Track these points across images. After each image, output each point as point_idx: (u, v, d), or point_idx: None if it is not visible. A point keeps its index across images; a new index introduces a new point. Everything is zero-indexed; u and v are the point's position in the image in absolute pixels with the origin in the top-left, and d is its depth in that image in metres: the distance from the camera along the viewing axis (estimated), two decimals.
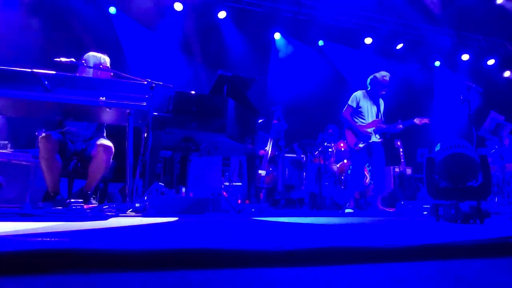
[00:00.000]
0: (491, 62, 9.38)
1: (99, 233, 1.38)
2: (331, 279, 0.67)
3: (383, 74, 4.43)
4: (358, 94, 4.47)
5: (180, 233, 1.45)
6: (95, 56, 3.19)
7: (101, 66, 3.14)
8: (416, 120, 4.38)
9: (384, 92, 4.44)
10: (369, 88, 4.49)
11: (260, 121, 4.08)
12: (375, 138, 4.37)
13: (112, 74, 3.20)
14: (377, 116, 4.44)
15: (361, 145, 4.33)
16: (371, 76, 4.50)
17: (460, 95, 3.66)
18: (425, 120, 4.40)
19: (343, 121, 4.53)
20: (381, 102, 4.56)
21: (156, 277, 0.65)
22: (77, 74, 3.14)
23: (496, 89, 8.40)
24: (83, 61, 3.13)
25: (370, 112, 4.43)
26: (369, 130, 4.36)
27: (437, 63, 8.72)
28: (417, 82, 8.48)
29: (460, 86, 3.74)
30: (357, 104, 4.41)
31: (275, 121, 5.75)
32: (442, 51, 8.59)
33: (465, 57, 9.17)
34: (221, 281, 0.64)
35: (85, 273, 0.66)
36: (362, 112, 4.42)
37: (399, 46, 8.71)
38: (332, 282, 0.64)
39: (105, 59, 3.24)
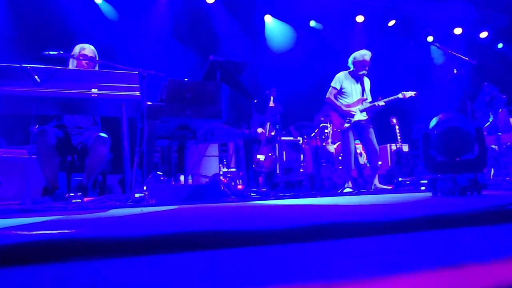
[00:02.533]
0: (484, 34, 9.33)
1: (100, 223, 1.39)
2: (331, 252, 0.68)
3: (363, 53, 4.42)
4: (341, 75, 4.48)
5: (181, 220, 1.46)
6: (79, 47, 3.17)
7: (80, 58, 3.10)
8: (401, 95, 4.33)
9: (365, 72, 4.43)
10: (351, 69, 4.49)
11: (255, 101, 4.08)
12: (361, 117, 4.38)
13: (92, 63, 3.15)
14: (362, 95, 4.45)
15: (346, 125, 4.35)
16: (351, 56, 4.49)
17: (453, 68, 3.65)
18: (411, 93, 4.34)
19: (327, 103, 4.56)
20: (366, 80, 4.56)
21: (158, 260, 0.65)
22: (69, 67, 3.11)
23: (489, 62, 8.38)
24: (72, 53, 3.09)
25: (354, 91, 4.45)
26: (354, 109, 4.38)
27: (430, 38, 8.67)
28: (410, 57, 8.45)
29: (453, 60, 3.73)
30: (341, 85, 4.43)
31: (271, 105, 5.73)
32: (435, 25, 8.53)
33: (458, 30, 9.12)
34: (222, 260, 0.64)
35: (87, 261, 0.66)
36: (346, 92, 4.44)
37: (391, 22, 8.64)
38: (332, 255, 0.65)
39: (87, 49, 3.18)
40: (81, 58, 3.10)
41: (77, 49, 3.18)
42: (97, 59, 3.24)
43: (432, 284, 0.46)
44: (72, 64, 3.16)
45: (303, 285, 0.46)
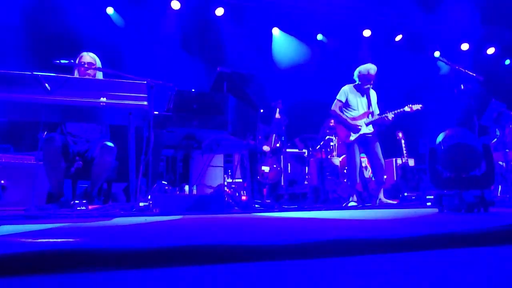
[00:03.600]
0: (491, 50, 9.33)
1: (105, 233, 1.39)
2: (336, 271, 0.67)
3: (368, 67, 4.44)
4: (346, 88, 4.50)
5: (185, 231, 1.46)
6: (82, 56, 3.22)
7: (85, 65, 3.14)
8: (407, 108, 4.34)
9: (370, 86, 4.44)
10: (356, 82, 4.51)
11: (261, 110, 4.11)
12: (366, 130, 4.38)
13: (93, 72, 3.19)
14: (368, 108, 4.45)
15: (352, 138, 4.35)
16: (357, 70, 4.51)
17: (460, 84, 3.64)
18: (418, 107, 4.35)
19: (333, 115, 4.57)
20: (373, 93, 4.57)
21: (164, 274, 0.65)
22: (76, 74, 3.16)
23: (497, 78, 8.36)
24: (83, 62, 3.15)
25: (360, 104, 4.45)
26: (359, 122, 4.38)
27: (437, 53, 8.68)
28: (417, 72, 8.45)
29: (460, 76, 3.72)
30: (346, 98, 4.44)
31: (277, 116, 5.74)
32: (442, 41, 8.55)
33: (465, 46, 9.12)
34: (228, 276, 0.64)
35: (92, 272, 0.66)
36: (351, 105, 4.45)
37: (398, 37, 8.67)
38: (337, 274, 0.65)
39: (86, 56, 3.23)
40: (85, 65, 3.14)
41: (82, 58, 3.23)
42: (99, 66, 3.27)
43: None
44: (76, 73, 3.21)
45: None
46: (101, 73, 3.28)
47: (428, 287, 0.54)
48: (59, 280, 0.62)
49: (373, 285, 0.56)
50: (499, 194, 4.55)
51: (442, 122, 7.42)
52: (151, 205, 2.68)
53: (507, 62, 9.57)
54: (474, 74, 3.62)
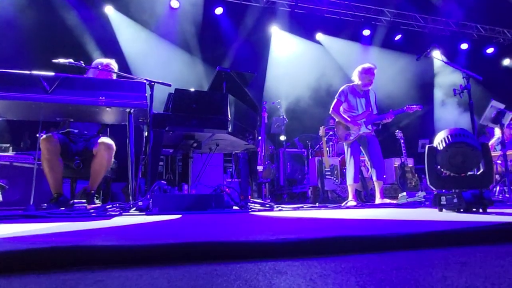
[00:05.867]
0: (490, 50, 9.34)
1: (104, 232, 1.39)
2: (336, 268, 0.67)
3: (366, 67, 4.45)
4: (345, 88, 4.52)
5: (184, 229, 1.46)
6: (111, 64, 3.31)
7: (111, 69, 3.20)
8: (406, 108, 4.40)
9: (369, 85, 4.46)
10: (355, 82, 4.52)
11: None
12: (366, 130, 4.40)
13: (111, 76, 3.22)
14: (367, 107, 4.46)
15: (351, 138, 4.37)
16: (356, 70, 4.52)
17: (459, 84, 3.64)
18: (416, 107, 4.40)
19: (332, 116, 4.59)
20: (372, 93, 4.58)
21: (162, 272, 0.65)
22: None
23: (496, 78, 8.37)
24: (99, 65, 3.18)
25: (359, 104, 4.47)
26: (359, 122, 4.39)
27: (436, 53, 8.70)
28: (416, 72, 8.46)
29: (459, 75, 3.72)
30: (345, 98, 4.46)
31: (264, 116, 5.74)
32: (441, 41, 8.57)
33: (464, 46, 9.14)
34: (227, 274, 0.64)
35: (90, 270, 0.66)
36: (351, 105, 4.46)
37: (398, 37, 8.68)
38: (337, 271, 0.65)
39: (110, 62, 3.30)
40: (110, 69, 3.20)
41: (103, 61, 3.27)
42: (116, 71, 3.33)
43: None
44: (93, 74, 3.24)
45: None
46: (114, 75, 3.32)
47: (428, 285, 0.54)
48: (57, 278, 0.62)
49: (374, 282, 0.56)
50: (497, 194, 4.55)
51: (441, 122, 7.42)
52: (150, 205, 2.68)
53: (507, 61, 9.59)
54: (474, 74, 3.62)
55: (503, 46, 9.32)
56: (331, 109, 4.53)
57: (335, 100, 4.52)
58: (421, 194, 4.03)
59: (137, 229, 1.49)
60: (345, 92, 4.49)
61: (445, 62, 4.08)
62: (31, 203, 3.20)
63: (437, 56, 4.43)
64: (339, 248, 0.76)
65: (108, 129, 3.35)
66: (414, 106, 4.40)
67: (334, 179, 5.45)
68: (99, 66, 3.17)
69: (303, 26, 8.27)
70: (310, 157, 6.06)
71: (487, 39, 9.20)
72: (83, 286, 0.57)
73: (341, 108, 4.50)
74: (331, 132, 6.08)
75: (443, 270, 0.64)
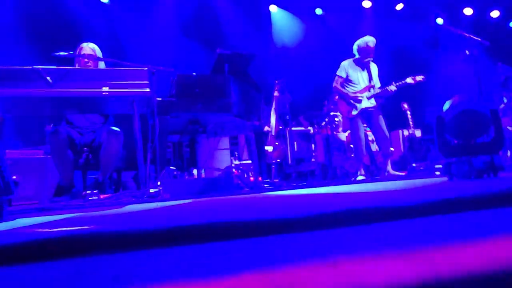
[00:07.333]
0: (495, 14, 9.09)
1: (118, 219, 1.41)
2: (349, 239, 0.68)
3: (366, 40, 4.35)
4: (345, 63, 4.44)
5: (197, 212, 1.48)
6: (79, 47, 3.19)
7: (85, 59, 3.09)
8: (409, 79, 4.27)
9: (370, 58, 4.37)
10: (356, 56, 4.44)
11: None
12: (368, 104, 4.34)
13: (93, 63, 3.15)
14: (369, 81, 4.40)
15: (354, 112, 4.32)
16: (355, 44, 4.43)
17: (465, 50, 3.56)
18: (420, 78, 4.28)
19: (334, 91, 4.53)
20: (373, 66, 4.50)
21: (178, 252, 0.66)
22: (77, 66, 3.14)
23: (502, 42, 8.17)
24: (83, 54, 3.12)
25: (361, 78, 4.40)
26: (361, 96, 4.33)
27: (440, 20, 8.49)
28: (421, 41, 8.29)
29: (464, 41, 3.64)
30: (346, 73, 4.39)
31: (278, 95, 5.69)
32: (444, 7, 8.34)
33: (468, 11, 8.89)
34: (241, 250, 0.65)
35: (109, 254, 0.68)
36: (352, 80, 4.40)
37: (399, 6, 8.47)
38: (350, 241, 0.65)
39: (85, 48, 3.18)
40: (85, 59, 3.11)
41: (82, 50, 3.18)
42: (100, 56, 3.24)
43: (453, 261, 0.46)
44: (77, 65, 3.17)
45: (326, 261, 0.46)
46: (103, 62, 3.26)
47: (443, 244, 0.54)
48: (77, 263, 0.64)
49: (387, 249, 0.56)
50: (508, 159, 4.52)
51: (448, 90, 7.30)
52: (161, 191, 2.71)
53: None
54: (479, 39, 3.54)
55: (509, 8, 9.04)
56: (333, 85, 4.48)
57: (336, 76, 4.46)
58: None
59: (150, 215, 1.52)
60: (345, 67, 4.42)
61: (449, 29, 3.99)
62: (44, 197, 3.25)
63: (440, 23, 4.32)
64: (353, 219, 0.77)
65: (111, 118, 3.35)
66: (417, 76, 4.30)
67: (343, 154, 5.45)
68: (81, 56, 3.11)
69: (302, 2, 8.09)
70: (316, 134, 6.04)
71: (492, 2, 8.93)
72: (103, 269, 0.58)
73: (341, 83, 4.43)
74: (332, 107, 6.01)
75: (455, 232, 0.65)
